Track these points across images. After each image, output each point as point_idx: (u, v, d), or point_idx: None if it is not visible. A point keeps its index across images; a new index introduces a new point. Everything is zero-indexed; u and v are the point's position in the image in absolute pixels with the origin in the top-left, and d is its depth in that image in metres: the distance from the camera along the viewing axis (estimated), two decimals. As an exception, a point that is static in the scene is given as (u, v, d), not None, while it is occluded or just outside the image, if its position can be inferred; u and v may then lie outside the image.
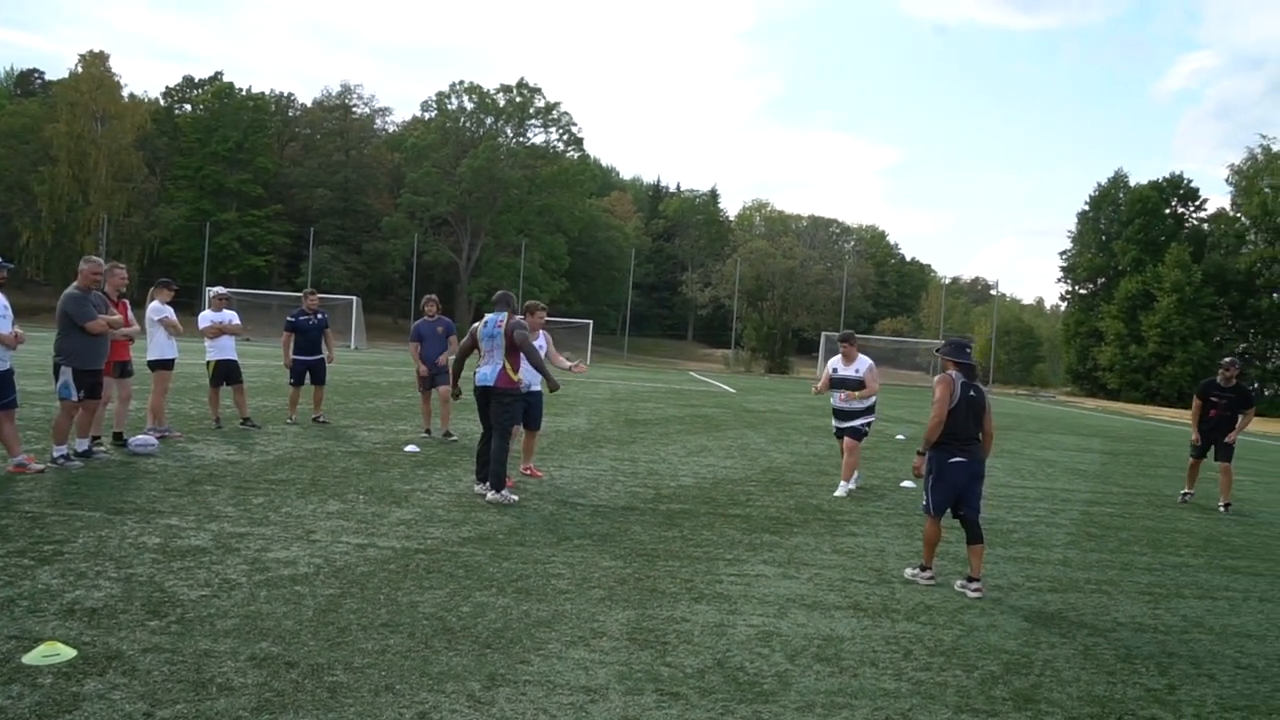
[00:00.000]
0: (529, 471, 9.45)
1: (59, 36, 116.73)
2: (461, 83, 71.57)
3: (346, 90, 76.53)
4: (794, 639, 4.87)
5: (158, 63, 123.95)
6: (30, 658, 3.84)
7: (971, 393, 6.19)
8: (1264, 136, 58.85)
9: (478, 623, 4.74)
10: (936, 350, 6.94)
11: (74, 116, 60.21)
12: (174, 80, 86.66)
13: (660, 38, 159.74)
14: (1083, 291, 63.32)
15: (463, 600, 5.10)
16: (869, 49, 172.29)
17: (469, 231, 68.87)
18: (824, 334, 53.14)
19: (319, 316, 12.85)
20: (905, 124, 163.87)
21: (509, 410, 8.16)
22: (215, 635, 4.29)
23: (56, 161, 59.30)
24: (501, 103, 71.39)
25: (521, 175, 68.64)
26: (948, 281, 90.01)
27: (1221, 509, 10.50)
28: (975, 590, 6.00)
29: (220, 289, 12.28)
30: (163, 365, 10.35)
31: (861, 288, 68.68)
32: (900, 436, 16.80)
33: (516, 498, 8.09)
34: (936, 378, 6.32)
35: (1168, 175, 59.55)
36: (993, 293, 77.83)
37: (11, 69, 78.01)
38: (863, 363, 9.67)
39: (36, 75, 75.84)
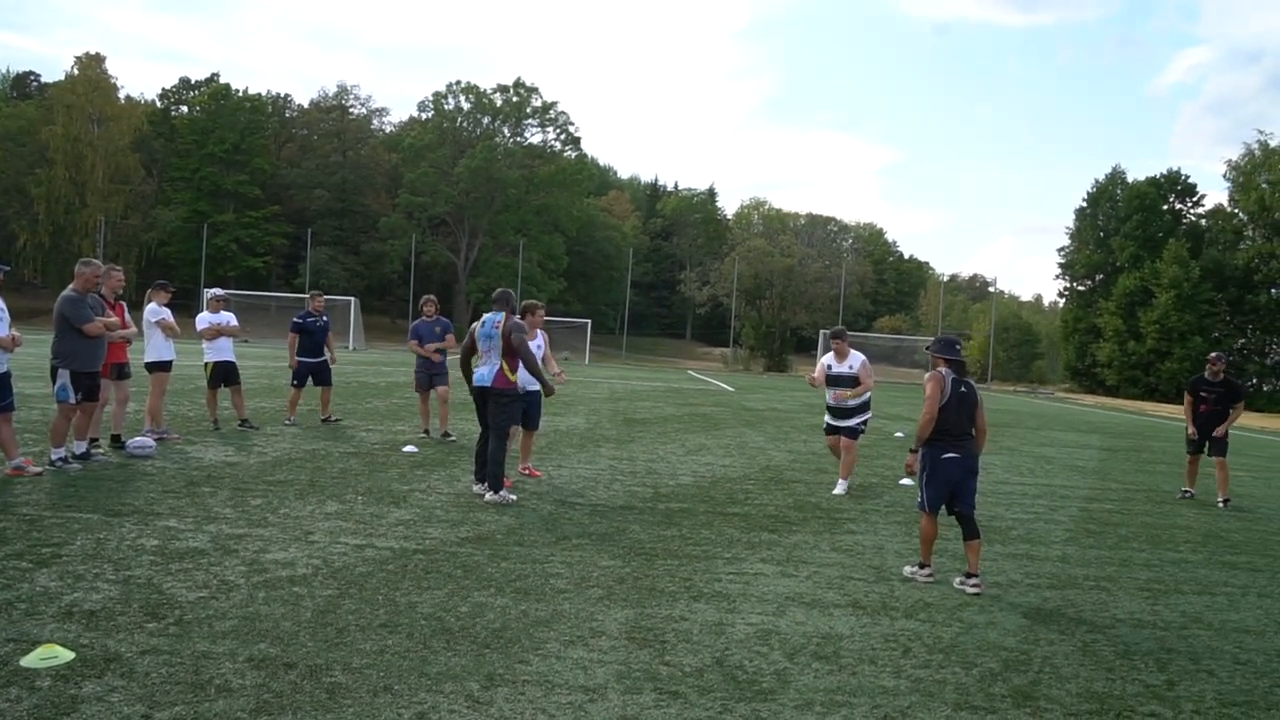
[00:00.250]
0: (527, 471, 9.45)
1: (55, 39, 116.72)
2: (458, 83, 71.63)
3: (343, 91, 76.57)
4: (793, 637, 4.87)
5: (154, 64, 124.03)
6: (28, 660, 3.84)
7: (962, 388, 6.21)
8: (1261, 132, 58.75)
9: (476, 623, 4.73)
10: (926, 348, 6.97)
11: (70, 119, 60.16)
12: (170, 82, 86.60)
13: (656, 37, 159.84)
14: (1081, 288, 63.35)
15: (461, 600, 5.10)
16: (864, 48, 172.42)
17: (467, 231, 68.85)
18: (822, 332, 53.07)
19: (324, 319, 12.90)
20: (902, 122, 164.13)
21: (507, 410, 8.15)
22: (214, 637, 4.28)
23: (53, 164, 59.26)
24: (498, 102, 71.38)
25: (519, 175, 68.62)
26: (946, 279, 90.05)
27: (1220, 504, 10.51)
28: (974, 586, 6.00)
29: (218, 291, 12.30)
30: (160, 367, 10.34)
31: (860, 286, 68.72)
32: (899, 434, 16.81)
33: (515, 497, 8.09)
34: (927, 375, 6.35)
35: (1165, 171, 59.65)
36: (991, 290, 77.93)
37: (8, 71, 78.01)
38: (856, 359, 9.67)
39: (33, 77, 75.76)
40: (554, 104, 72.45)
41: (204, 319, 11.60)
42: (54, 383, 8.18)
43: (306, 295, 13.18)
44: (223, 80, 70.64)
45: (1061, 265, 64.62)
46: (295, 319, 12.78)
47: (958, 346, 6.47)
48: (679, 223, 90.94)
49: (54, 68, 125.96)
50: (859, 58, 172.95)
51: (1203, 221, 58.73)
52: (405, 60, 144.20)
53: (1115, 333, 55.19)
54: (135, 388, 10.33)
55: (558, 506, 8.01)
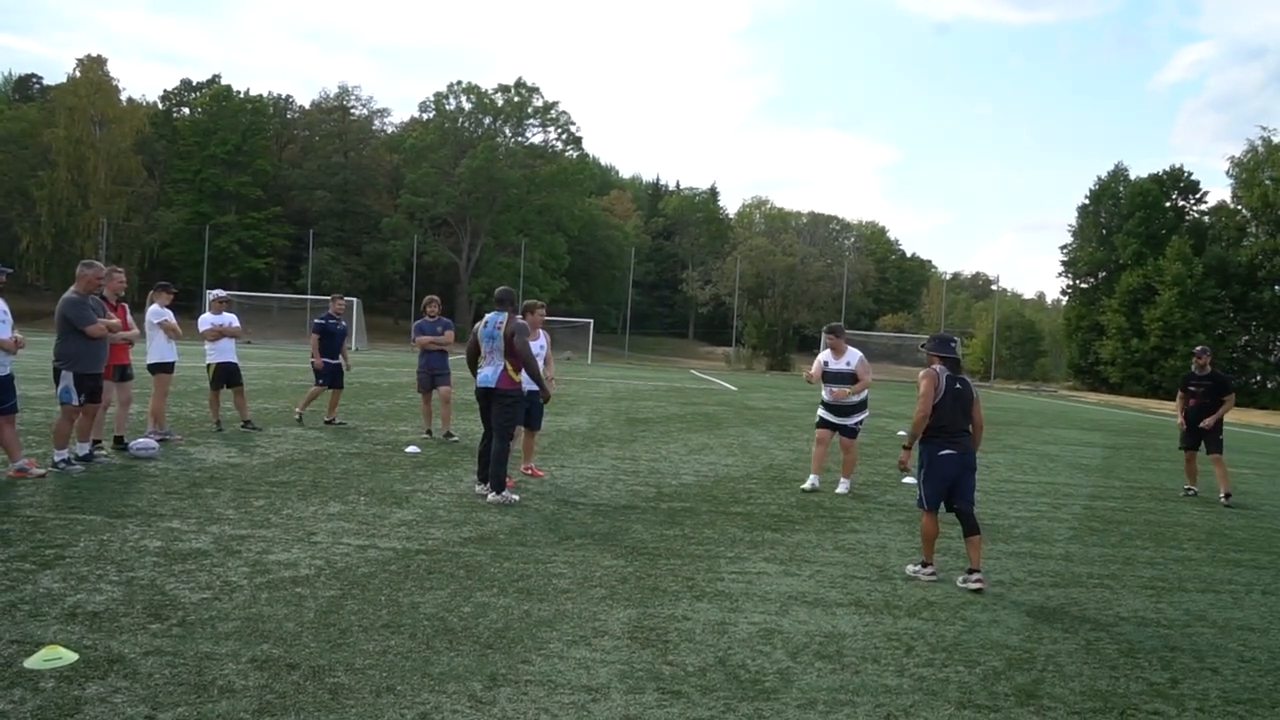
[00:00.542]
0: (530, 471, 9.45)
1: (56, 41, 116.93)
2: (459, 83, 71.61)
3: (344, 92, 76.55)
4: (796, 636, 4.86)
5: (155, 66, 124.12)
6: (32, 662, 3.84)
7: (957, 385, 6.23)
8: (1264, 128, 58.67)
9: (479, 623, 4.73)
10: (922, 346, 6.99)
11: (72, 121, 60.20)
12: (172, 83, 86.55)
13: (657, 37, 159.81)
14: (1084, 286, 63.24)
15: (464, 601, 5.10)
16: (864, 46, 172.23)
17: (469, 232, 68.86)
18: (823, 330, 53.04)
19: (343, 323, 13.02)
20: (903, 121, 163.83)
21: (510, 411, 8.15)
22: (217, 638, 4.29)
23: (55, 166, 59.30)
24: (500, 103, 71.36)
25: (520, 175, 68.61)
26: (948, 277, 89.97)
27: (1222, 500, 10.50)
28: (976, 581, 6.00)
29: (220, 292, 12.31)
30: (163, 368, 10.35)
31: (862, 284, 68.68)
32: (902, 432, 16.79)
33: (518, 498, 8.09)
34: (921, 373, 6.36)
35: (1168, 168, 59.52)
36: (994, 288, 77.80)
37: (10, 74, 78.15)
38: (853, 355, 9.63)
39: (35, 80, 75.86)
40: (555, 104, 72.49)
41: (206, 320, 11.62)
42: (57, 385, 8.19)
43: (328, 298, 13.32)
44: (224, 82, 70.68)
45: (1064, 263, 64.51)
46: (317, 320, 12.94)
47: (952, 344, 6.50)
48: (681, 222, 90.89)
49: (56, 70, 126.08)
50: (859, 56, 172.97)
51: (1206, 218, 58.62)
52: (406, 61, 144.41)
53: (1118, 330, 55.09)
54: (138, 389, 10.34)
55: (560, 506, 8.01)
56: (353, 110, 76.88)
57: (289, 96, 77.92)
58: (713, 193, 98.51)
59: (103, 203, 60.01)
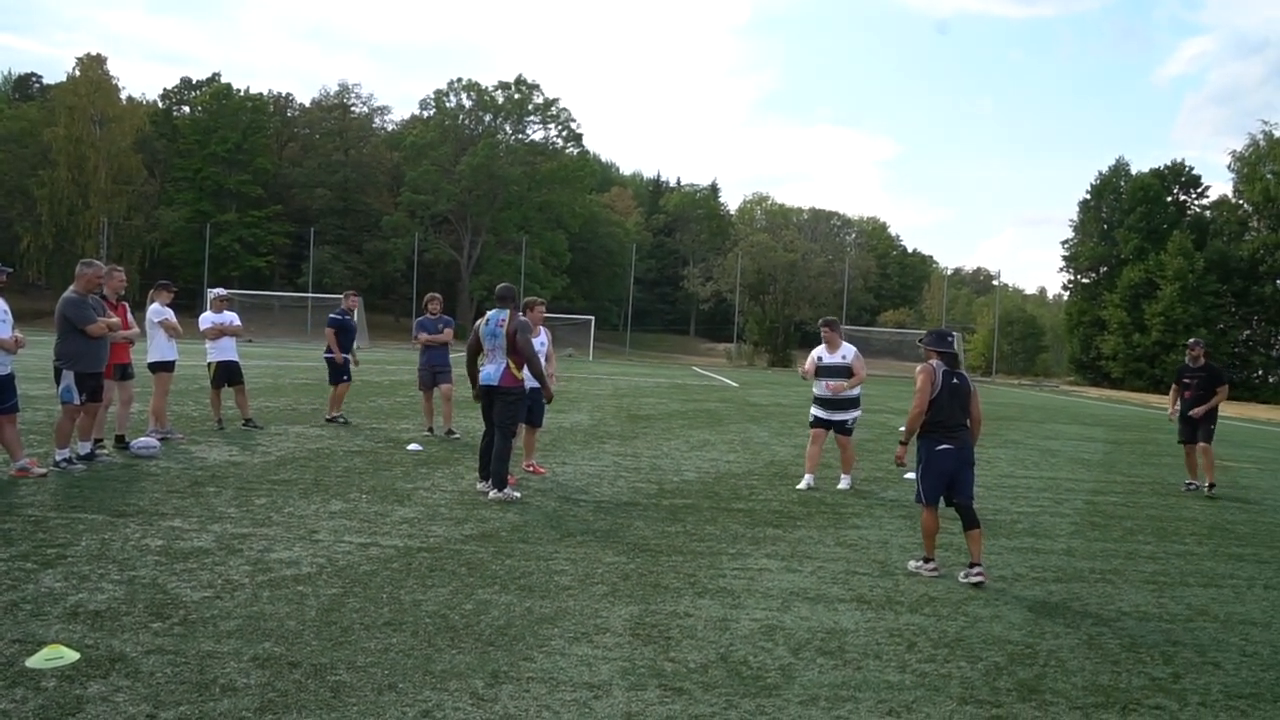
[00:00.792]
0: (531, 468, 9.45)
1: (56, 40, 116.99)
2: (459, 80, 71.61)
3: (344, 90, 76.53)
4: (797, 632, 4.86)
5: (155, 65, 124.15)
6: (34, 661, 3.84)
7: (955, 380, 6.22)
8: (1266, 122, 59.01)
9: (481, 620, 4.73)
10: (919, 340, 6.98)
11: (73, 120, 60.19)
12: (172, 82, 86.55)
13: (656, 34, 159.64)
14: (1085, 280, 63.20)
15: (465, 598, 5.10)
16: (864, 42, 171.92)
17: (469, 229, 68.85)
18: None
19: (354, 319, 13.06)
20: (903, 116, 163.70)
21: (513, 409, 8.14)
22: (218, 636, 4.29)
23: (56, 165, 59.31)
24: (500, 100, 71.31)
25: (521, 172, 68.57)
26: (950, 272, 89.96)
27: (1205, 490, 10.52)
28: (977, 575, 6.00)
29: (221, 290, 12.31)
30: (163, 367, 10.35)
31: (863, 280, 68.59)
32: (904, 428, 16.77)
33: (519, 495, 8.09)
34: (918, 368, 6.35)
35: (1169, 163, 59.51)
36: (995, 283, 77.71)
37: (9, 73, 78.15)
38: (848, 350, 9.59)
39: (34, 79, 75.84)
40: (555, 101, 72.47)
41: (207, 319, 11.62)
42: (58, 384, 8.19)
43: (329, 296, 13.38)
44: (224, 80, 70.69)
45: (1065, 258, 64.50)
46: (334, 316, 12.89)
47: (949, 339, 6.51)
48: (682, 218, 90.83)
49: (55, 69, 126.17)
50: (859, 52, 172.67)
51: (1207, 213, 58.56)
52: (406, 59, 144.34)
53: (1120, 325, 55.05)
54: (139, 388, 10.35)
55: (562, 503, 8.01)
56: (353, 108, 76.88)
57: (289, 95, 77.90)
58: (713, 189, 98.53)
59: (103, 202, 60.02)
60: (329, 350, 12.74)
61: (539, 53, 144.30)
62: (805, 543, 7.01)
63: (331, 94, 76.43)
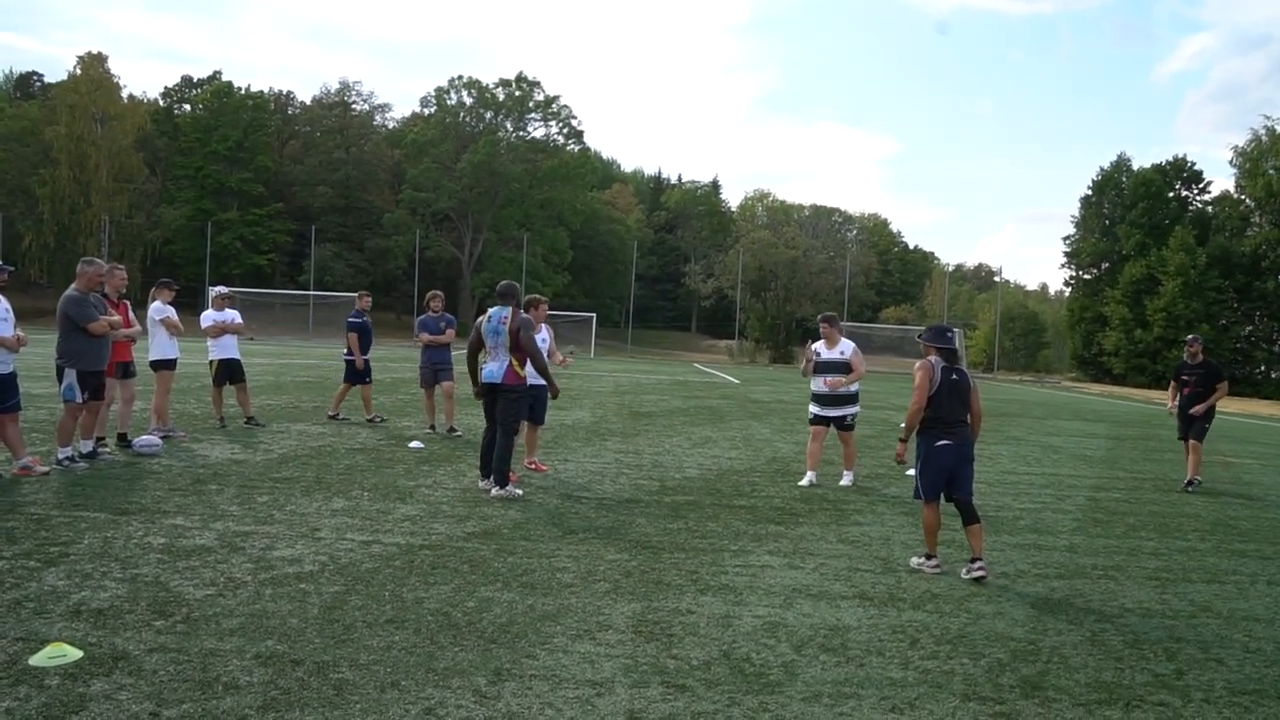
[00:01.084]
0: (533, 466, 9.45)
1: (57, 39, 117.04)
2: (460, 78, 71.47)
3: (345, 87, 76.39)
4: (800, 629, 4.86)
5: (155, 63, 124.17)
6: (37, 659, 3.85)
7: (954, 376, 6.22)
8: (1268, 118, 58.44)
9: (483, 618, 4.73)
10: (918, 337, 6.97)
11: (74, 118, 60.16)
12: (172, 80, 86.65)
13: (657, 31, 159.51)
14: (1087, 277, 63.07)
15: (468, 595, 5.10)
16: (864, 39, 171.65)
17: (471, 226, 68.81)
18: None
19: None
20: (904, 112, 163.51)
21: (516, 406, 8.14)
22: (221, 634, 4.29)
23: (57, 164, 59.30)
24: (501, 97, 71.21)
25: (522, 169, 68.52)
26: (951, 269, 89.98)
27: (1186, 486, 10.54)
28: (978, 570, 5.99)
29: (222, 288, 12.31)
30: (165, 365, 10.36)
31: (865, 276, 68.51)
32: (904, 425, 16.76)
33: (521, 492, 8.09)
34: (917, 364, 6.34)
35: (1171, 158, 59.36)
36: (996, 279, 77.60)
37: (10, 72, 78.14)
38: (847, 345, 9.59)
39: (35, 78, 75.80)
40: (556, 98, 72.34)
41: (209, 317, 11.62)
42: (60, 382, 8.19)
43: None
44: (225, 78, 70.58)
45: (1067, 254, 64.33)
46: (353, 320, 12.90)
47: (949, 335, 6.49)
48: (683, 215, 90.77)
49: (56, 68, 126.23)
50: (860, 49, 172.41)
51: (1209, 208, 58.40)
52: (407, 56, 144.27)
53: (1122, 321, 54.94)
54: (140, 386, 10.35)
55: (564, 501, 8.01)
56: (354, 106, 76.78)
57: (290, 93, 77.90)
58: (715, 186, 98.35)
59: (104, 200, 60.02)
60: (349, 352, 12.75)
61: (540, 50, 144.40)
62: (807, 539, 7.01)
63: (332, 92, 76.38)
